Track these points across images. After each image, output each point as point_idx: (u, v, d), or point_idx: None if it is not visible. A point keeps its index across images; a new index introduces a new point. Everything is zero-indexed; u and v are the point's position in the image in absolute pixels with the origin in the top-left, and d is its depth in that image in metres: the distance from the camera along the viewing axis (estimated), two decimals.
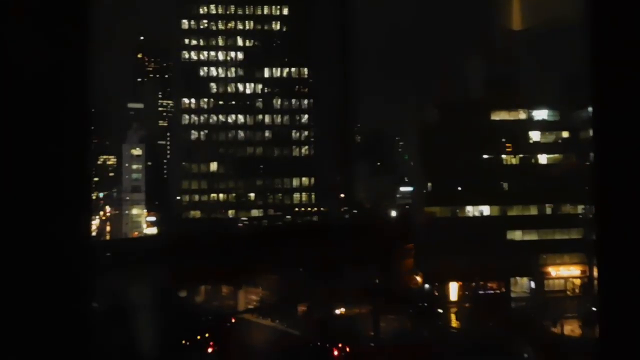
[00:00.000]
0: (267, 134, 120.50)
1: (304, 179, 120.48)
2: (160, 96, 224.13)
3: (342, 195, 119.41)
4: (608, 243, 3.52)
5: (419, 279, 70.62)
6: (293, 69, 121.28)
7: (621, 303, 3.43)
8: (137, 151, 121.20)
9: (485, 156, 69.94)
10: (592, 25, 3.64)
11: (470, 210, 69.76)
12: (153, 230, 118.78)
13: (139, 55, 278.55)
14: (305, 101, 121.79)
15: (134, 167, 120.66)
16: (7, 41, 3.20)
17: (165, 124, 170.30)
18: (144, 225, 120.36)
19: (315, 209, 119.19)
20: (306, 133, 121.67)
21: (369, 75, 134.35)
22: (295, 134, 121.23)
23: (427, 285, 68.68)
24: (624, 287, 3.38)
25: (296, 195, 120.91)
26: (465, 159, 69.85)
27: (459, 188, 69.01)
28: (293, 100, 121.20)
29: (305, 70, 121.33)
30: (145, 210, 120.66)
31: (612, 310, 3.52)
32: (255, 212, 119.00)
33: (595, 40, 3.66)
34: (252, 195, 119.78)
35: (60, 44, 3.27)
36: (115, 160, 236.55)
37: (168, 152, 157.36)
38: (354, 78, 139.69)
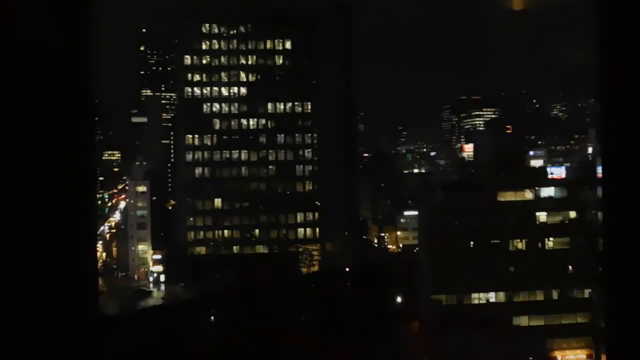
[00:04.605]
0: (271, 169, 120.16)
1: (308, 213, 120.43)
2: (165, 100, 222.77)
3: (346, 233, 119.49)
4: (617, 328, 3.36)
5: None
6: (296, 104, 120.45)
7: None
8: (142, 188, 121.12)
9: (492, 241, 69.85)
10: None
11: (477, 297, 69.96)
12: (159, 269, 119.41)
13: (142, 48, 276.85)
14: (309, 135, 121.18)
15: (139, 204, 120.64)
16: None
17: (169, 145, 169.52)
18: (151, 263, 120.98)
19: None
20: (310, 168, 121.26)
21: (373, 107, 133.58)
22: (299, 169, 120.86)
23: None
24: None
25: (300, 230, 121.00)
26: (470, 244, 69.88)
27: (465, 274, 69.05)
28: (296, 135, 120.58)
29: (309, 104, 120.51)
30: (151, 249, 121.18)
31: None
32: (260, 248, 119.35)
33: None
34: (257, 231, 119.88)
35: (62, 30, 3.05)
36: (119, 154, 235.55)
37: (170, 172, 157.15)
38: (357, 110, 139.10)
